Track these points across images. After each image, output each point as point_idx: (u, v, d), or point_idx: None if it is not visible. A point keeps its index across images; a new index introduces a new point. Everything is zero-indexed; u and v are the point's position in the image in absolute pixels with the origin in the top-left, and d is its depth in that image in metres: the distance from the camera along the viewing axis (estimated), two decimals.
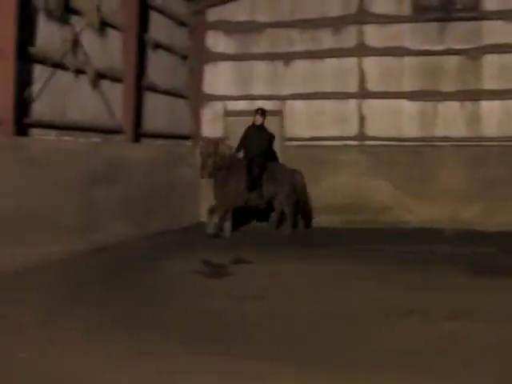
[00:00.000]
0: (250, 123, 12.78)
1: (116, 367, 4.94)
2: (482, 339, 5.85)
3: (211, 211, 12.23)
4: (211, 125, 14.96)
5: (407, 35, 13.86)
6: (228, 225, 12.49)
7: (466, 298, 7.44)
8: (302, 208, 13.10)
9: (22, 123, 9.14)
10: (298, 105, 14.48)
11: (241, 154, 12.68)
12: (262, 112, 12.78)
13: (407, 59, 13.88)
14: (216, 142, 12.17)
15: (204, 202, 14.27)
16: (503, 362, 5.23)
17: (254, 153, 12.50)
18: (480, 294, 7.60)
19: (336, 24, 14.20)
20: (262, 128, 12.77)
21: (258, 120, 12.73)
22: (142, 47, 12.44)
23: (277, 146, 14.48)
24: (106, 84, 11.36)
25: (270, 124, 14.40)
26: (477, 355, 5.38)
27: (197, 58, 14.88)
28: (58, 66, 9.99)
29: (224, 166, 12.08)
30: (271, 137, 13.30)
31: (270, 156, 13.21)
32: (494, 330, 6.10)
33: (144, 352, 5.29)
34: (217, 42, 14.92)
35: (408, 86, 13.88)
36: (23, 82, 9.17)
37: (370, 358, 5.31)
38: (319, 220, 13.73)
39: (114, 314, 6.48)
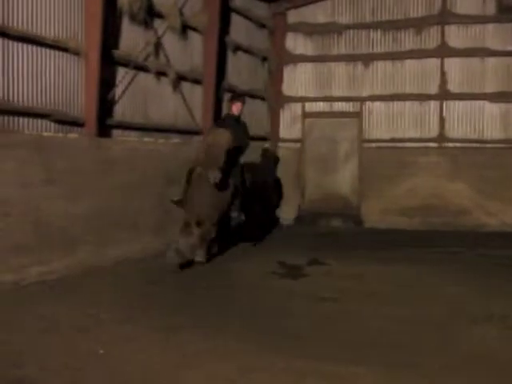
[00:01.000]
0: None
1: (191, 366, 5.03)
2: None
3: (188, 226, 8.65)
4: (290, 126, 15.01)
5: (490, 35, 13.57)
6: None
7: None
8: None
9: (105, 124, 9.41)
10: (377, 106, 14.38)
11: None
12: (244, 100, 10.36)
13: (490, 60, 13.58)
14: (227, 135, 8.97)
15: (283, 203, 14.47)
16: None
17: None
18: None
19: (418, 25, 14.02)
20: (239, 120, 10.20)
21: (238, 109, 10.12)
22: (222, 49, 12.59)
23: (354, 147, 14.43)
24: (186, 86, 11.57)
25: (349, 125, 14.46)
26: None
27: (276, 59, 14.96)
28: (141, 68, 10.24)
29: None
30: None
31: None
32: None
33: (219, 351, 5.39)
34: (296, 43, 14.97)
35: (490, 88, 13.59)
36: (106, 84, 9.44)
37: (445, 362, 5.27)
38: (398, 221, 13.60)
39: (189, 313, 6.60)
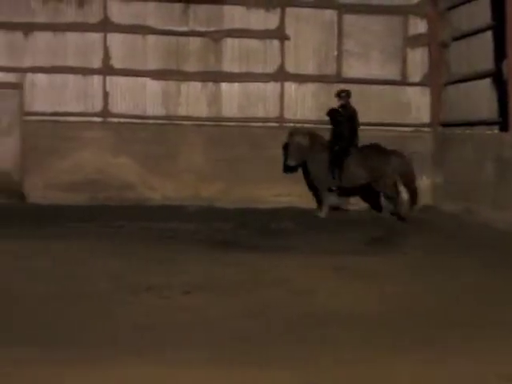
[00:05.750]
0: None
1: None
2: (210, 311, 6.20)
3: None
4: None
5: (151, 14, 13.91)
6: None
7: (203, 272, 7.75)
8: None
9: None
10: (40, 78, 13.91)
11: None
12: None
13: (151, 38, 13.93)
14: None
15: None
16: (231, 332, 5.57)
17: None
18: (216, 268, 7.96)
19: None
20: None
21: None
22: None
23: (15, 120, 13.85)
24: None
25: (8, 97, 13.87)
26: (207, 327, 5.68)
27: None
28: None
29: None
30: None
31: None
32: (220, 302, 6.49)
33: None
34: None
35: (152, 65, 13.97)
36: None
37: (109, 336, 5.36)
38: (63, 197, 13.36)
39: None
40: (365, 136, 13.55)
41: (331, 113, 13.21)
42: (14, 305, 6.23)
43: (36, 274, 7.46)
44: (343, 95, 12.95)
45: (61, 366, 4.63)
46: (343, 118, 12.86)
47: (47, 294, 6.63)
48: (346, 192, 13.27)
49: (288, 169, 13.33)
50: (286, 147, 13.19)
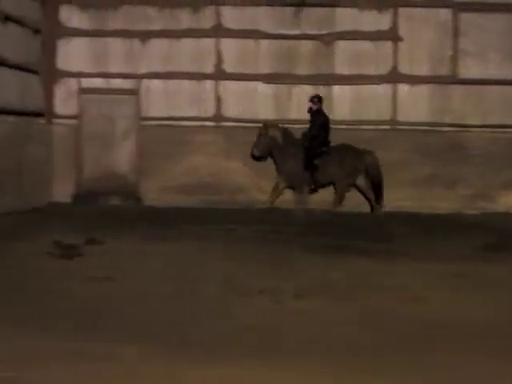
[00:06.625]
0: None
1: None
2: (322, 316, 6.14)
3: None
4: (65, 102, 14.48)
5: (263, 18, 14.03)
6: None
7: (313, 277, 7.71)
8: None
9: None
10: (155, 84, 14.31)
11: None
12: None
13: (263, 42, 14.05)
14: None
15: (57, 181, 13.97)
16: (343, 338, 5.48)
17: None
18: (327, 272, 7.91)
19: (194, 4, 14.13)
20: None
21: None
22: None
23: (133, 125, 14.29)
24: None
25: (126, 102, 14.30)
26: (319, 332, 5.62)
27: (50, 32, 14.32)
28: None
29: None
30: None
31: None
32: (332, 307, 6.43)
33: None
34: (71, 16, 14.40)
35: (264, 69, 14.08)
36: None
37: (225, 338, 5.40)
38: (177, 199, 13.65)
39: None
40: (482, 138, 13.16)
41: (310, 112, 13.30)
42: (132, 305, 6.39)
43: (151, 275, 7.64)
44: (315, 100, 13.16)
45: (183, 366, 4.69)
46: (317, 121, 13.04)
47: (162, 294, 6.77)
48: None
49: (254, 158, 13.54)
50: (257, 137, 13.30)
